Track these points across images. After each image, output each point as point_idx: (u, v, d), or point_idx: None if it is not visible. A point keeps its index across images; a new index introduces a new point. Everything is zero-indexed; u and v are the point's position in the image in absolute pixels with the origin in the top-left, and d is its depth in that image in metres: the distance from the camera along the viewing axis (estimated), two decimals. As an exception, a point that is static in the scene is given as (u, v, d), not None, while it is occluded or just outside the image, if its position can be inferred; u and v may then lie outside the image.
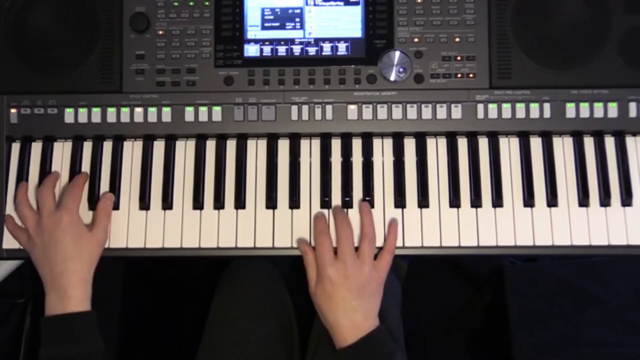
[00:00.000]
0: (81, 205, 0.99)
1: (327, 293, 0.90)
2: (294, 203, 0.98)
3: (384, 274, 0.93)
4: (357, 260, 0.91)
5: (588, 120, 0.99)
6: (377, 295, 0.92)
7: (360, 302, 0.89)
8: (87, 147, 1.01)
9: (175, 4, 1.01)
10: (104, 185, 1.00)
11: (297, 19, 1.00)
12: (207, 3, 1.01)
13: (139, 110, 1.00)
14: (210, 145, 1.01)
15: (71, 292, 0.89)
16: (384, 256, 0.94)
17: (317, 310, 0.93)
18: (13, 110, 1.00)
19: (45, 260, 0.91)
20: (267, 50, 1.00)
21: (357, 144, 1.01)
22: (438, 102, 0.99)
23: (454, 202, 0.98)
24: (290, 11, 1.01)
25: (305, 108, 0.99)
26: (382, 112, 0.99)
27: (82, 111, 1.00)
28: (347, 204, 0.98)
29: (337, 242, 0.92)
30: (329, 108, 0.99)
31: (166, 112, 1.00)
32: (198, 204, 0.99)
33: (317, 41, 1.00)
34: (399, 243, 0.97)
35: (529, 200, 0.97)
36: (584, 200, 0.97)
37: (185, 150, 1.01)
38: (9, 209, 0.99)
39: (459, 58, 0.99)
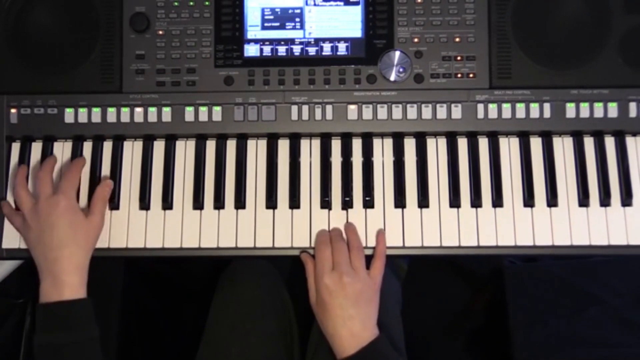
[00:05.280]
0: (81, 202, 0.99)
1: (325, 302, 0.90)
2: (294, 203, 0.98)
3: (378, 280, 0.94)
4: (351, 269, 0.91)
5: (588, 120, 0.99)
6: (374, 303, 0.93)
7: (358, 310, 0.89)
8: (87, 147, 1.01)
9: (175, 4, 1.01)
10: (104, 185, 1.00)
11: (297, 19, 1.00)
12: (207, 3, 1.01)
13: (139, 110, 1.00)
14: (210, 145, 1.01)
15: (66, 279, 0.87)
16: (376, 262, 0.94)
17: (317, 321, 0.94)
18: (13, 110, 1.00)
19: (40, 245, 0.89)
20: (267, 50, 1.00)
21: (357, 144, 1.01)
22: (438, 102, 0.99)
23: (454, 202, 0.98)
24: (290, 11, 1.01)
25: (305, 108, 0.99)
26: (382, 112, 0.99)
27: (82, 111, 1.00)
28: (347, 204, 0.98)
29: (332, 255, 0.93)
30: (329, 108, 0.99)
31: (166, 112, 1.00)
32: (198, 204, 0.99)
33: (317, 41, 1.00)
34: (399, 243, 0.97)
35: (529, 200, 0.97)
36: (584, 200, 0.97)
37: (185, 150, 1.01)
38: (8, 198, 0.99)
39: (459, 58, 0.99)
